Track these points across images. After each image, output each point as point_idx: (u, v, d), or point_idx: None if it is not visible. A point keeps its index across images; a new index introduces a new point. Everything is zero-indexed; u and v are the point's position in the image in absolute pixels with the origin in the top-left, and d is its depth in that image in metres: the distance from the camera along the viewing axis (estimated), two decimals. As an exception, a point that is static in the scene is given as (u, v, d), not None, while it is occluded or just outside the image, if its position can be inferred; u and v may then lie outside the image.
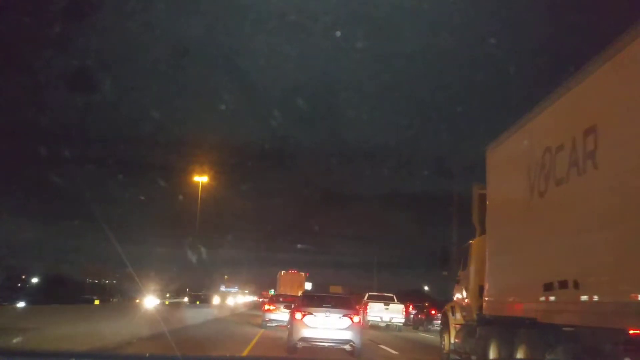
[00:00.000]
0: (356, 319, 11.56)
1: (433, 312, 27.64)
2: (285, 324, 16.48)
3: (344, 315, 11.44)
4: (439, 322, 23.82)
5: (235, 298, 53.01)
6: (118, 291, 48.76)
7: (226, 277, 75.12)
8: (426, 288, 51.63)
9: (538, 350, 6.60)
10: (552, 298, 6.47)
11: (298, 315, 11.53)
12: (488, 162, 9.37)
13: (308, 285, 38.88)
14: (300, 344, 11.48)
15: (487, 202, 9.45)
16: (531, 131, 7.64)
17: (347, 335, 11.36)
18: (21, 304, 20.83)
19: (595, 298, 5.52)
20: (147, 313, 14.25)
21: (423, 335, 23.78)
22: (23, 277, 57.00)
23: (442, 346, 11.95)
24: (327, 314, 11.46)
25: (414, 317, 30.39)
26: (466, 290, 10.70)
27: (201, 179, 30.47)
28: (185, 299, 46.23)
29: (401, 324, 26.05)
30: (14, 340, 7.09)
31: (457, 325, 11.00)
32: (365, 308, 25.54)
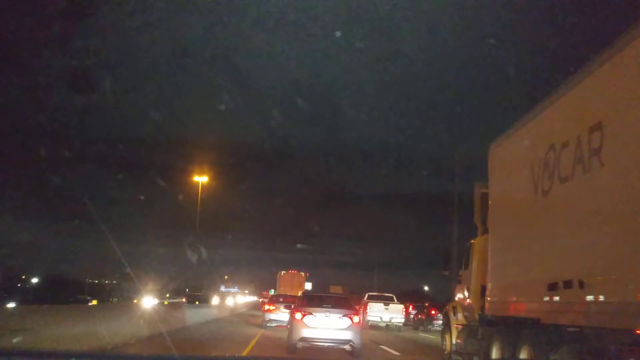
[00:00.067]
0: (356, 319, 11.58)
1: (433, 312, 27.59)
2: (285, 324, 16.44)
3: (343, 316, 11.44)
4: (439, 322, 23.93)
5: (235, 298, 52.88)
6: (118, 291, 48.65)
7: (226, 277, 75.14)
8: (426, 288, 51.62)
9: (542, 351, 6.50)
10: (556, 298, 6.36)
11: (298, 315, 11.53)
12: (490, 160, 9.26)
13: (308, 285, 38.85)
14: (300, 344, 11.47)
15: (489, 201, 9.35)
16: (535, 128, 7.53)
17: (347, 335, 11.36)
18: (11, 305, 20.57)
19: (602, 298, 5.41)
20: (146, 313, 14.14)
21: (423, 335, 23.71)
22: (23, 277, 57.00)
23: (444, 347, 11.84)
24: (327, 314, 11.47)
25: (414, 317, 30.33)
26: (468, 290, 10.59)
27: (201, 179, 30.45)
28: (178, 299, 46.11)
29: (401, 324, 25.98)
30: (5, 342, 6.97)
31: (459, 326, 10.90)
32: (365, 308, 25.47)
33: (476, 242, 10.42)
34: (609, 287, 5.30)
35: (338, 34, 26.85)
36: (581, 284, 5.72)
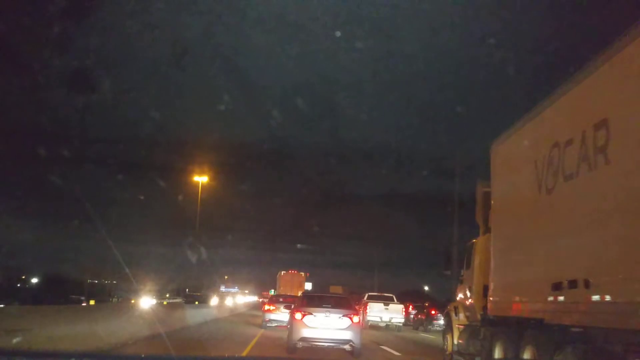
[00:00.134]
0: (356, 319, 11.58)
1: (433, 312, 27.51)
2: (285, 324, 16.38)
3: (343, 316, 11.44)
4: (439, 322, 23.90)
5: (235, 298, 52.79)
6: (118, 291, 48.58)
7: (226, 277, 75.13)
8: (426, 288, 51.59)
9: (545, 352, 6.39)
10: (560, 298, 6.25)
11: (298, 315, 11.53)
12: (492, 158, 9.16)
13: (308, 286, 38.82)
14: (300, 344, 11.46)
15: (492, 200, 9.24)
16: (538, 126, 7.42)
17: (347, 335, 11.36)
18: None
19: (608, 298, 5.30)
20: (144, 313, 14.04)
21: (423, 335, 23.64)
22: (23, 277, 56.95)
23: (445, 347, 11.75)
24: (327, 314, 11.47)
25: (414, 317, 30.26)
26: (470, 290, 10.49)
27: (201, 179, 30.39)
28: (179, 299, 46.02)
29: (401, 324, 25.92)
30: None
31: (461, 326, 10.80)
32: (365, 308, 25.40)
33: (478, 242, 10.32)
34: (616, 287, 5.18)
35: (338, 34, 26.83)
36: (587, 284, 5.61)
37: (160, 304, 26.67)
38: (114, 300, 44.16)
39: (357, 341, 11.35)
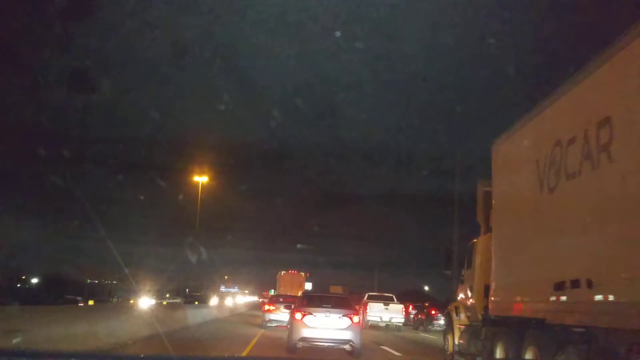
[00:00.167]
0: (356, 319, 11.56)
1: (433, 312, 27.47)
2: (285, 324, 16.35)
3: (343, 316, 11.42)
4: (439, 322, 23.86)
5: (234, 298, 52.76)
6: (118, 291, 48.58)
7: (226, 277, 75.11)
8: (426, 288, 51.57)
9: (547, 352, 6.35)
10: (563, 298, 6.21)
11: (298, 315, 11.50)
12: (494, 157, 9.12)
13: (308, 286, 38.79)
14: (300, 344, 11.44)
15: (493, 199, 9.20)
16: (540, 124, 7.38)
17: (347, 335, 11.34)
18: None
19: (611, 297, 5.26)
20: (144, 313, 14.00)
21: (423, 335, 23.60)
22: (23, 277, 56.92)
23: (446, 347, 11.71)
24: (327, 314, 11.44)
25: (414, 317, 30.23)
26: (471, 290, 10.45)
27: (201, 179, 30.32)
28: (179, 300, 45.99)
29: (401, 324, 25.89)
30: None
31: (462, 326, 10.76)
32: (365, 308, 25.37)
33: (479, 241, 10.28)
34: (620, 287, 5.14)
35: (338, 34, 26.70)
36: (589, 283, 5.57)
37: (159, 304, 26.64)
38: (114, 300, 44.16)
39: (357, 341, 11.33)
